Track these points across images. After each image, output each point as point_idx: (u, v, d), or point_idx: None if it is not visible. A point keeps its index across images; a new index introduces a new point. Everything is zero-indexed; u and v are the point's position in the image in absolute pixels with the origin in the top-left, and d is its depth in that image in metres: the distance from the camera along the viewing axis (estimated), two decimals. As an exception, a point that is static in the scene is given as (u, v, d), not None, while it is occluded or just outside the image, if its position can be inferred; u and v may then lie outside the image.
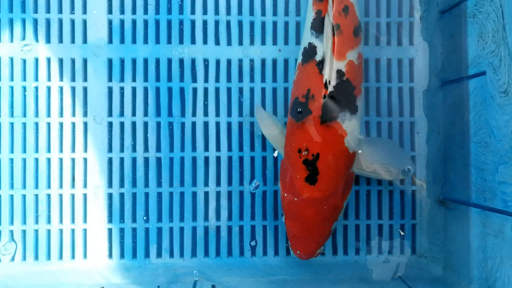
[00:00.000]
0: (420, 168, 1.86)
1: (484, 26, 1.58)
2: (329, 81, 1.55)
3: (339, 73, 1.56)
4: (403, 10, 1.86)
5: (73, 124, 1.83)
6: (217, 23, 1.84)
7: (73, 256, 1.81)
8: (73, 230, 1.81)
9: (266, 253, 1.84)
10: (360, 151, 1.67)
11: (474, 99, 1.65)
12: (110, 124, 1.83)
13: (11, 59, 1.82)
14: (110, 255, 1.81)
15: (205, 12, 1.84)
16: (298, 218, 1.62)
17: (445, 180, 1.82)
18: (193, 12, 1.84)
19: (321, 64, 1.58)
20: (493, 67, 1.53)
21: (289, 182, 1.62)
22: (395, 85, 1.86)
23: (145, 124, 1.83)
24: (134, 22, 1.84)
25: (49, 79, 1.83)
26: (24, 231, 1.81)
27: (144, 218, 1.82)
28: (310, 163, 1.58)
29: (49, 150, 1.82)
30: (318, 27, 1.62)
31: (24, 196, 1.82)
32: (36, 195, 1.82)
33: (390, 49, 1.86)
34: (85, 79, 1.83)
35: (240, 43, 1.85)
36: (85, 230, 1.81)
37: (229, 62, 1.84)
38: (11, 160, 1.82)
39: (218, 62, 1.84)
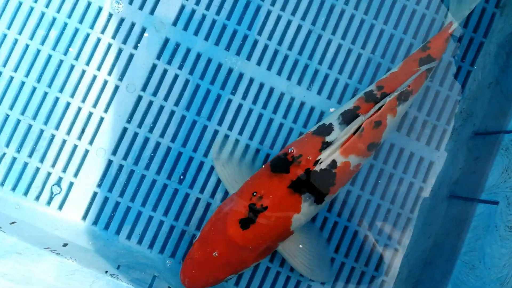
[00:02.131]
0: (396, 262, 1.90)
1: (514, 162, 1.66)
2: (321, 163, 1.61)
3: (333, 163, 1.62)
4: (442, 115, 1.93)
5: (105, 82, 1.83)
6: (276, 52, 1.90)
7: (49, 203, 1.79)
8: (60, 178, 1.80)
9: (226, 279, 1.84)
10: (295, 233, 1.70)
11: (477, 222, 1.71)
12: (140, 98, 1.84)
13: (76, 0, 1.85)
14: (85, 217, 1.80)
15: (269, 38, 1.90)
16: (208, 247, 1.62)
17: (417, 283, 1.86)
18: (260, 33, 1.89)
19: (326, 144, 1.63)
20: (508, 202, 1.60)
21: (225, 213, 1.64)
22: (408, 178, 1.91)
23: (172, 113, 1.84)
24: (204, 16, 1.88)
25: (103, 32, 1.85)
26: (14, 158, 1.79)
27: (131, 197, 1.82)
28: (255, 210, 1.61)
29: (72, 96, 1.82)
30: (347, 117, 1.68)
31: (30, 126, 1.80)
32: (42, 130, 1.80)
33: (417, 145, 1.92)
34: (135, 47, 1.85)
35: (289, 78, 1.90)
36: (71, 183, 1.80)
37: (271, 90, 1.89)
38: (34, 89, 1.81)
39: (261, 86, 1.88)
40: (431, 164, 1.93)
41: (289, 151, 1.66)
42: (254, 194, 1.62)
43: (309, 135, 1.70)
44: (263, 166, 1.70)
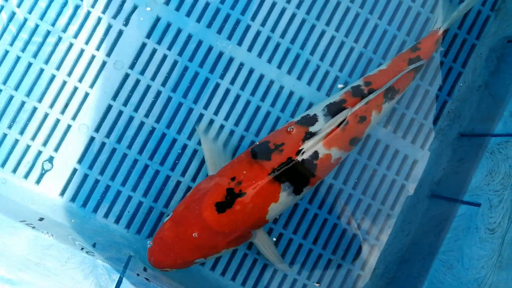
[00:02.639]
0: (373, 257, 1.90)
1: (498, 166, 1.66)
2: (303, 153, 1.59)
3: (315, 154, 1.61)
4: (430, 114, 1.93)
5: (93, 57, 1.79)
6: (268, 39, 1.87)
7: (27, 176, 1.75)
8: (40, 152, 1.76)
9: (203, 264, 1.82)
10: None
11: (458, 223, 1.72)
12: (127, 75, 1.80)
13: (68, -31, 1.80)
14: (62, 193, 1.76)
15: (263, 24, 1.87)
16: (180, 228, 1.59)
17: (393, 279, 1.86)
18: (253, 19, 1.86)
19: (309, 135, 1.62)
20: (490, 204, 1.60)
21: (201, 195, 1.61)
22: (391, 175, 1.91)
23: (158, 93, 1.81)
24: (197, -2, 1.85)
25: (93, 6, 1.80)
26: (-7, 129, 1.76)
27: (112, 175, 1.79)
28: (232, 194, 1.58)
29: (58, 68, 1.78)
30: (332, 109, 1.66)
31: (11, 97, 1.76)
32: (23, 102, 1.76)
33: (402, 143, 1.92)
34: (126, 24, 1.81)
35: (279, 66, 1.87)
36: (52, 157, 1.76)
37: (261, 77, 1.86)
38: (18, 58, 1.76)
39: (251, 72, 1.86)
40: (415, 162, 1.93)
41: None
42: (233, 178, 1.59)
43: (293, 124, 1.68)
44: (244, 152, 1.68)
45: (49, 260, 1.40)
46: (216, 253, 1.64)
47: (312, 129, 1.63)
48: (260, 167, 1.60)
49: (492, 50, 1.94)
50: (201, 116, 1.82)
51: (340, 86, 1.88)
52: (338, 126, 1.61)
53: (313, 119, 1.66)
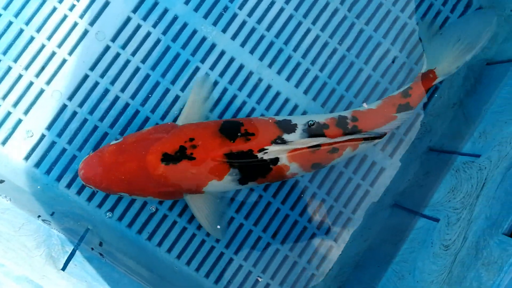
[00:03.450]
0: (329, 259, 1.92)
1: (461, 184, 1.69)
2: (266, 153, 1.61)
3: (275, 160, 1.62)
4: (402, 125, 1.94)
5: (75, 24, 1.77)
6: (253, 30, 1.87)
7: (-8, 136, 1.73)
8: (9, 113, 1.73)
9: (160, 245, 1.81)
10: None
11: (414, 235, 1.74)
12: (107, 48, 1.78)
13: None
14: (27, 158, 1.74)
15: (249, 15, 1.87)
16: (121, 156, 1.60)
17: (346, 282, 1.89)
18: (241, 8, 1.86)
19: (280, 141, 1.63)
20: (448, 221, 1.63)
21: (156, 138, 1.61)
22: (356, 179, 1.93)
23: (137, 69, 1.79)
24: (187, -21, 1.83)
25: (81, -28, 1.78)
26: (-36, 84, 1.72)
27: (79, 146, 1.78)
28: (183, 153, 1.58)
29: (38, 31, 1.75)
30: (312, 130, 1.67)
31: (-14, 54, 1.73)
32: (-1, 61, 1.74)
33: (372, 149, 1.93)
34: (113, -5, 1.80)
35: (261, 59, 1.87)
36: (20, 120, 1.73)
37: (241, 67, 1.86)
38: (-2, 16, 1.74)
39: (231, 61, 1.86)
40: (382, 170, 1.95)
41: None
42: (191, 139, 1.60)
43: (272, 123, 1.68)
44: (215, 121, 1.68)
45: (2, 224, 1.39)
46: (141, 196, 1.65)
47: (285, 136, 1.64)
48: (221, 142, 1.60)
49: (470, 70, 1.96)
50: (177, 97, 1.82)
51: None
52: (309, 148, 1.63)
53: (291, 128, 1.67)
